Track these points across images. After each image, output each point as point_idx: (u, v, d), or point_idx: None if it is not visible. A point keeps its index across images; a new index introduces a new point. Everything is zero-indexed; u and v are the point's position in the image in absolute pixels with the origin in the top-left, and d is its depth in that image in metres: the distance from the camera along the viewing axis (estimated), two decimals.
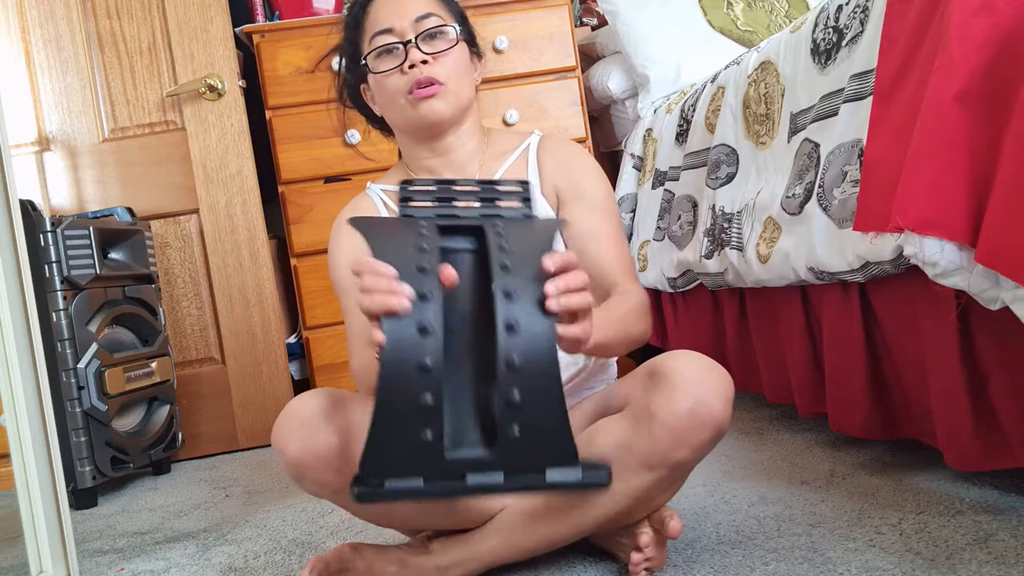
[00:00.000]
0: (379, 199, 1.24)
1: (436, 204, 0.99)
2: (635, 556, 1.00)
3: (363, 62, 1.17)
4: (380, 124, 1.27)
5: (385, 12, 1.15)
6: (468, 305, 0.88)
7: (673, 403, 0.94)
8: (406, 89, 1.13)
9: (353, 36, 1.21)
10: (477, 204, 0.98)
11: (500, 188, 0.98)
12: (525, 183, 0.99)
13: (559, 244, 1.03)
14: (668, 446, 0.95)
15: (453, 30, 1.16)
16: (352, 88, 1.26)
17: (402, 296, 0.79)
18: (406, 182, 1.00)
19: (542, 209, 1.20)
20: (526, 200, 0.98)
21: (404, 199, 0.99)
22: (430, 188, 0.99)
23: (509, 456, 0.81)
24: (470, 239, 0.94)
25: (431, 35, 1.14)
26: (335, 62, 1.32)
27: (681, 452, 0.96)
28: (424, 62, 1.12)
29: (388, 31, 1.14)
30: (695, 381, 0.95)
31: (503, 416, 0.82)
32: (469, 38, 1.22)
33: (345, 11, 1.24)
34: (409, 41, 1.13)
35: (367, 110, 1.26)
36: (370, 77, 1.18)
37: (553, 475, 0.81)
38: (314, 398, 1.01)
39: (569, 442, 0.83)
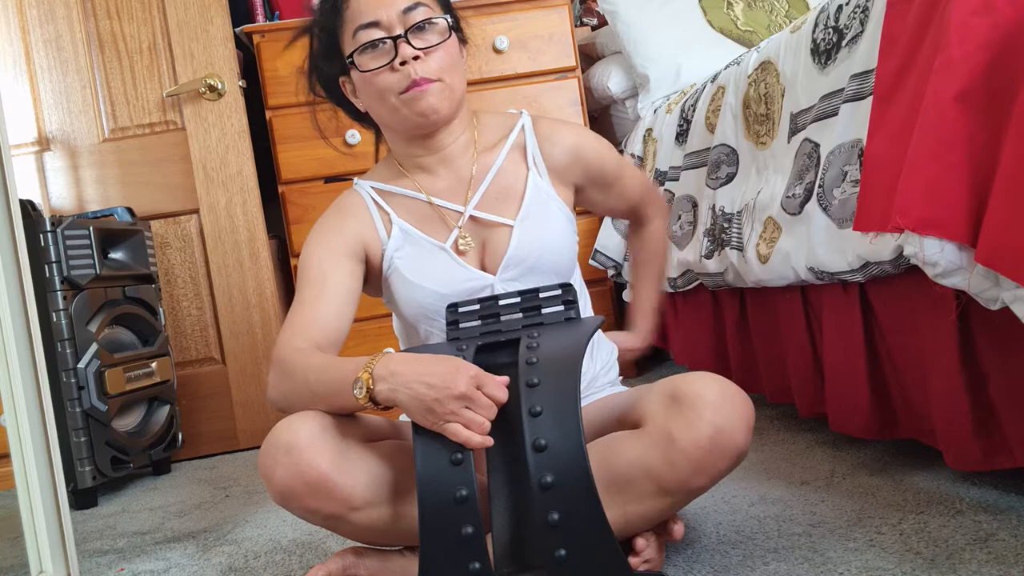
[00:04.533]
0: (368, 197, 1.18)
1: (481, 322, 1.04)
2: (632, 560, 0.98)
3: (349, 60, 1.11)
4: (360, 117, 1.21)
5: (369, 2, 1.09)
6: (515, 418, 0.91)
7: (694, 431, 0.92)
8: (398, 88, 1.08)
9: (331, 25, 1.13)
10: (520, 315, 1.03)
11: (542, 295, 1.04)
12: (566, 286, 1.03)
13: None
14: (687, 474, 0.93)
15: (444, 21, 1.10)
16: (328, 80, 1.19)
17: (485, 438, 0.89)
18: (452, 306, 1.06)
19: (557, 208, 1.17)
20: (568, 303, 1.00)
21: (451, 323, 1.04)
22: (474, 308, 1.05)
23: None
24: (511, 351, 0.97)
25: (420, 27, 1.08)
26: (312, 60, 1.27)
27: (699, 480, 0.94)
28: (416, 58, 1.07)
29: (374, 24, 1.08)
30: (717, 408, 0.92)
31: (544, 540, 0.84)
32: (455, 24, 1.15)
33: None
34: (399, 36, 1.07)
35: (347, 104, 1.20)
36: (355, 74, 1.12)
37: None
38: (300, 422, 0.97)
39: (618, 555, 0.84)
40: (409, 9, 1.08)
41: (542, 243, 1.13)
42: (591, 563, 0.83)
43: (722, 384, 0.95)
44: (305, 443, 0.95)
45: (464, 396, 0.89)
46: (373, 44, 1.08)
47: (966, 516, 1.07)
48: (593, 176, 1.22)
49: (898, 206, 0.96)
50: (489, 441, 0.89)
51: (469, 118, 1.19)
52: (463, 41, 1.17)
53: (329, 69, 1.17)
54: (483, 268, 1.14)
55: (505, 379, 0.93)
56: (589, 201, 1.26)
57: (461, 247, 1.14)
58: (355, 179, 1.22)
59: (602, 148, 1.23)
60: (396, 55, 1.07)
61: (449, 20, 1.11)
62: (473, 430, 0.89)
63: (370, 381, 0.93)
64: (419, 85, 1.07)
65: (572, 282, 1.20)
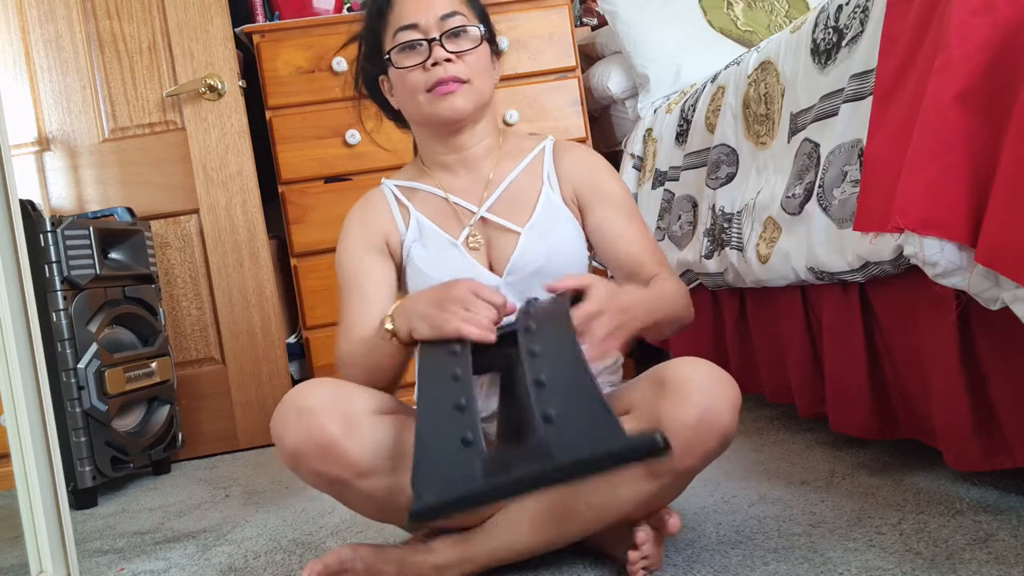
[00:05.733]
0: (391, 194, 1.25)
1: None
2: (632, 555, 1.00)
3: (387, 56, 1.17)
4: (396, 116, 1.27)
5: (410, 7, 1.16)
6: (511, 410, 0.95)
7: (681, 412, 0.94)
8: (426, 86, 1.14)
9: (375, 27, 1.21)
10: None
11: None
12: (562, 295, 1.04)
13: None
14: (677, 455, 0.94)
15: (477, 30, 1.17)
16: (370, 79, 1.26)
17: (484, 332, 0.94)
18: None
19: (566, 220, 1.21)
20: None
21: None
22: None
23: (552, 440, 0.77)
24: (509, 346, 0.97)
25: (455, 34, 1.15)
26: (335, 62, 1.31)
27: (688, 460, 0.96)
28: (448, 60, 1.14)
29: (413, 27, 1.15)
30: (704, 389, 0.95)
31: (535, 401, 0.81)
32: (490, 37, 1.22)
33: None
34: (434, 39, 1.14)
35: (384, 102, 1.27)
36: (391, 71, 1.18)
37: (603, 450, 0.75)
38: (313, 388, 1.02)
39: (608, 414, 0.78)
40: (447, 16, 1.15)
41: (547, 251, 1.17)
42: (582, 424, 0.78)
43: (708, 366, 0.98)
44: (316, 407, 0.99)
45: (460, 299, 0.96)
46: (411, 45, 1.15)
47: (966, 516, 1.07)
48: (597, 197, 1.21)
49: (898, 206, 0.96)
50: (490, 336, 0.94)
51: (494, 126, 1.25)
52: (496, 53, 1.25)
53: (371, 68, 1.24)
54: (490, 268, 1.19)
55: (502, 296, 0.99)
56: (593, 232, 1.21)
57: (472, 244, 1.19)
58: (382, 178, 1.29)
59: (611, 174, 1.24)
60: (430, 56, 1.14)
61: (482, 30, 1.18)
62: (473, 325, 0.94)
63: (389, 321, 1.03)
64: (447, 84, 1.14)
65: None
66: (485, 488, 0.77)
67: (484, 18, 1.22)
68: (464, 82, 1.15)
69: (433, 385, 0.89)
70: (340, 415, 0.99)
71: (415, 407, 0.90)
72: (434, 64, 1.13)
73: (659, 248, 1.25)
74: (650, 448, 0.75)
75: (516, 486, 0.77)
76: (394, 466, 1.01)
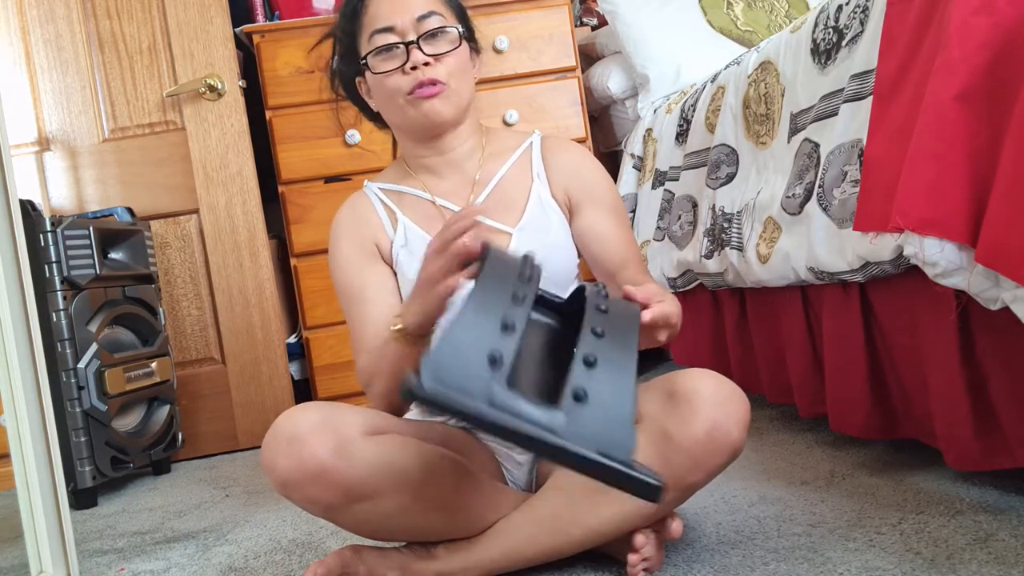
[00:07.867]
0: (376, 198, 1.23)
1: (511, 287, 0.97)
2: (632, 558, 0.99)
3: (363, 61, 1.15)
4: (375, 117, 1.25)
5: (386, 8, 1.14)
6: (545, 373, 0.88)
7: (691, 427, 0.93)
8: (407, 89, 1.13)
9: (350, 28, 1.18)
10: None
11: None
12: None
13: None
14: (684, 471, 0.95)
15: (455, 31, 1.15)
16: (347, 81, 1.24)
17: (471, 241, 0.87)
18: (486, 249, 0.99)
19: (558, 220, 1.19)
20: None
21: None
22: (512, 267, 0.93)
23: (568, 424, 0.74)
24: (550, 314, 0.93)
25: (433, 35, 1.13)
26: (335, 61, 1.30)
27: (695, 476, 0.96)
28: (426, 63, 1.12)
29: (389, 29, 1.13)
30: (714, 405, 0.94)
31: (576, 374, 0.77)
32: (468, 34, 1.20)
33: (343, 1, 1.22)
34: (411, 42, 1.12)
35: (362, 103, 1.25)
36: (369, 75, 1.16)
37: (605, 461, 0.73)
38: (302, 414, 0.99)
39: (630, 433, 0.76)
40: (423, 17, 1.13)
41: (540, 250, 1.13)
42: (604, 423, 0.76)
43: (718, 380, 0.97)
44: (306, 434, 0.96)
45: (437, 249, 0.93)
46: (387, 48, 1.13)
47: (966, 516, 1.07)
48: (590, 198, 1.19)
49: (898, 206, 0.96)
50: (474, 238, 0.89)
51: (477, 126, 1.23)
52: (475, 50, 1.22)
53: (347, 70, 1.22)
54: None
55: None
56: (583, 232, 1.20)
57: None
58: (365, 181, 1.26)
59: (603, 175, 1.23)
60: (408, 59, 1.12)
61: (460, 30, 1.16)
62: (461, 251, 0.90)
63: (398, 320, 1.00)
64: (425, 87, 1.12)
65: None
66: (484, 416, 0.73)
67: (462, 16, 1.20)
68: (443, 84, 1.13)
69: (492, 290, 0.81)
70: (330, 440, 0.96)
71: (460, 310, 0.79)
72: (412, 68, 1.12)
73: (640, 254, 1.24)
74: (644, 490, 0.75)
75: (512, 435, 0.74)
76: (392, 487, 0.99)
